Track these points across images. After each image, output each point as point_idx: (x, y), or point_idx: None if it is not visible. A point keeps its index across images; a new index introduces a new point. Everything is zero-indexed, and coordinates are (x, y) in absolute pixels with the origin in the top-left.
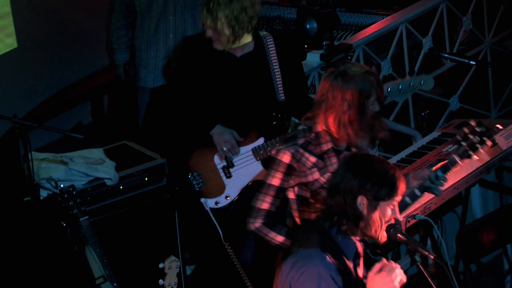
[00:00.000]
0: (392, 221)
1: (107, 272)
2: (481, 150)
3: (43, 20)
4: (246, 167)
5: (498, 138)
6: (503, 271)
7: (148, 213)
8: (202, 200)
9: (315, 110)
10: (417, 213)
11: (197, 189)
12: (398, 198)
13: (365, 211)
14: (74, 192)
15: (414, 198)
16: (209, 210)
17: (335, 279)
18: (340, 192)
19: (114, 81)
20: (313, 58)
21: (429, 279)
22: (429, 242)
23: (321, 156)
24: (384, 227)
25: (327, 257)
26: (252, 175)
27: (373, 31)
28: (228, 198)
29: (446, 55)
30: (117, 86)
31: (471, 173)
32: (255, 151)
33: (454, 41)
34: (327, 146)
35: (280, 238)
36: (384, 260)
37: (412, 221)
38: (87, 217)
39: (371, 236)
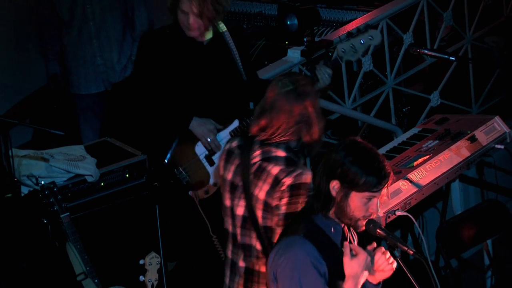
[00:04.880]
0: (373, 216)
1: (88, 268)
2: None
3: (15, 20)
4: None
5: (478, 133)
6: (483, 267)
7: (129, 210)
8: (190, 192)
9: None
10: (397, 209)
11: (184, 183)
12: (376, 194)
13: (337, 197)
14: (55, 189)
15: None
16: (197, 203)
17: (316, 265)
18: (322, 171)
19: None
20: (293, 54)
21: (409, 275)
22: (410, 237)
23: None
24: (360, 217)
25: (309, 244)
26: None
27: (354, 27)
28: (216, 185)
29: (426, 51)
30: (47, 96)
31: (451, 168)
32: (233, 134)
33: (435, 37)
34: None
35: None
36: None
37: (392, 217)
38: (68, 213)
39: (347, 223)
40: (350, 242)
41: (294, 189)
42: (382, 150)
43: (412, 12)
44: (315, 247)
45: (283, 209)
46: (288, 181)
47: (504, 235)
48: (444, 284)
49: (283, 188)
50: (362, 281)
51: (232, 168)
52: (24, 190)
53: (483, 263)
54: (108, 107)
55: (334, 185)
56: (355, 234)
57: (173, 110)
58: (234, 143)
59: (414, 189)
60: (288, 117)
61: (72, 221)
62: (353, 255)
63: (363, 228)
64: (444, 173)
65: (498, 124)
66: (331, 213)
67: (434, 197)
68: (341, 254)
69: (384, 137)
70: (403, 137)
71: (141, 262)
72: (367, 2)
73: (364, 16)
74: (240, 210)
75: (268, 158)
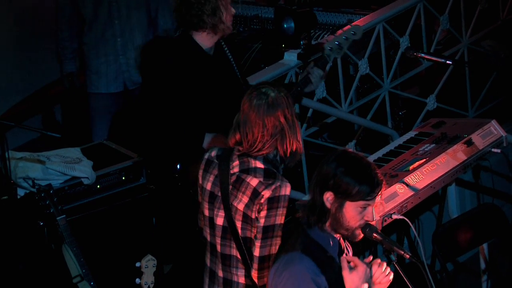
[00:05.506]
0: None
1: (84, 271)
2: None
3: (14, 21)
4: None
5: (474, 137)
6: (479, 270)
7: (125, 212)
8: None
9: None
10: (394, 212)
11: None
12: (370, 202)
13: (332, 208)
14: (51, 191)
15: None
16: None
17: (316, 280)
18: (314, 183)
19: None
20: (290, 57)
21: (405, 278)
22: (406, 241)
23: None
24: (356, 227)
25: (308, 259)
26: None
27: None
28: None
29: (423, 55)
30: (64, 95)
31: (447, 172)
32: None
33: (431, 41)
34: None
35: None
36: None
37: (389, 220)
38: (64, 216)
39: (344, 234)
40: (346, 254)
41: (273, 202)
42: (378, 154)
43: (408, 16)
44: (313, 262)
45: (261, 221)
46: (267, 194)
47: (500, 239)
48: None
49: (262, 201)
50: None
51: (211, 178)
52: (20, 192)
53: (479, 267)
54: (124, 109)
55: (328, 197)
56: (349, 245)
57: (187, 129)
58: (213, 153)
59: (411, 193)
60: (262, 131)
61: (68, 224)
62: (352, 268)
63: (360, 237)
64: (441, 176)
65: (494, 128)
66: (327, 225)
67: (430, 200)
68: (339, 267)
69: (380, 141)
70: (400, 140)
71: (137, 264)
72: (364, 6)
73: (361, 19)
74: (220, 220)
75: (247, 170)
